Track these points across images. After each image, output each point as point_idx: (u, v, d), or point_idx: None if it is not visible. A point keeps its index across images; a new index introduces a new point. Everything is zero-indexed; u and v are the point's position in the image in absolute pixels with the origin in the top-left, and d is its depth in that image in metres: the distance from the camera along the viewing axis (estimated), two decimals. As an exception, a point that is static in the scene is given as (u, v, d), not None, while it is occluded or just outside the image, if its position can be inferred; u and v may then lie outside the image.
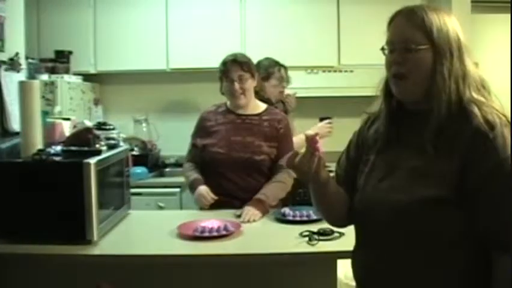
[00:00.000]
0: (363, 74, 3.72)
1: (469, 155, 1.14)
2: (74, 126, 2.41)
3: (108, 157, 2.06)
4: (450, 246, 1.16)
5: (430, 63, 1.20)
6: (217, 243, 1.89)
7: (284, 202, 2.48)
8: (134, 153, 3.63)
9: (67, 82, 3.64)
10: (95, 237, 1.87)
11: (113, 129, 2.95)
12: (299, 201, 2.91)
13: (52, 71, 3.72)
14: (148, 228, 2.19)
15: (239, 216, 2.21)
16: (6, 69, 2.34)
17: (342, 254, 1.70)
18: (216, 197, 2.35)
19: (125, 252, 1.87)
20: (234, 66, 2.43)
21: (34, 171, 1.91)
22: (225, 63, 2.46)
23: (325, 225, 1.82)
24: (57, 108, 3.16)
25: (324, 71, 3.94)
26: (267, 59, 3.20)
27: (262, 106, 2.56)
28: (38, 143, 2.11)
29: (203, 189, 2.37)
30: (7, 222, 1.88)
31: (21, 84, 2.15)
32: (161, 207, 3.46)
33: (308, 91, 3.77)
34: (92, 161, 1.87)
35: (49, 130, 2.27)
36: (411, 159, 1.22)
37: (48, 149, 2.03)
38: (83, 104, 3.83)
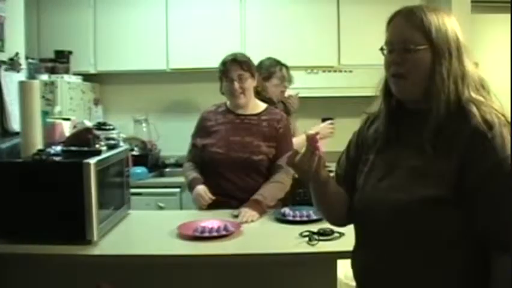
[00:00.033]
0: (363, 74, 3.72)
1: (468, 154, 1.14)
2: (74, 126, 2.41)
3: (108, 157, 2.06)
4: (449, 246, 1.16)
5: (429, 64, 1.20)
6: (217, 243, 1.89)
7: (284, 202, 2.47)
8: (134, 153, 3.63)
9: (67, 82, 3.63)
10: (95, 237, 1.87)
11: (113, 129, 2.95)
12: (299, 201, 2.90)
13: (52, 71, 3.72)
14: (148, 228, 2.19)
15: (236, 216, 2.21)
16: (6, 69, 2.34)
17: (342, 254, 1.70)
18: (213, 197, 2.35)
19: (125, 252, 1.88)
20: (234, 66, 2.43)
21: (34, 171, 1.91)
22: (224, 62, 2.47)
23: (325, 225, 1.83)
24: (57, 108, 3.16)
25: (324, 71, 3.94)
26: (268, 58, 3.19)
27: (262, 106, 2.56)
28: (38, 143, 2.11)
29: (201, 188, 2.37)
30: (7, 222, 1.88)
31: (21, 84, 2.15)
32: (161, 207, 3.46)
33: (308, 91, 3.75)
34: (92, 161, 1.87)
35: (49, 130, 2.27)
36: (410, 158, 1.22)
37: (48, 149, 2.02)
38: (83, 104, 3.83)
